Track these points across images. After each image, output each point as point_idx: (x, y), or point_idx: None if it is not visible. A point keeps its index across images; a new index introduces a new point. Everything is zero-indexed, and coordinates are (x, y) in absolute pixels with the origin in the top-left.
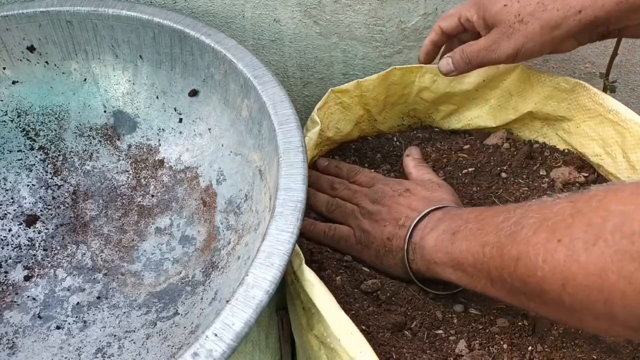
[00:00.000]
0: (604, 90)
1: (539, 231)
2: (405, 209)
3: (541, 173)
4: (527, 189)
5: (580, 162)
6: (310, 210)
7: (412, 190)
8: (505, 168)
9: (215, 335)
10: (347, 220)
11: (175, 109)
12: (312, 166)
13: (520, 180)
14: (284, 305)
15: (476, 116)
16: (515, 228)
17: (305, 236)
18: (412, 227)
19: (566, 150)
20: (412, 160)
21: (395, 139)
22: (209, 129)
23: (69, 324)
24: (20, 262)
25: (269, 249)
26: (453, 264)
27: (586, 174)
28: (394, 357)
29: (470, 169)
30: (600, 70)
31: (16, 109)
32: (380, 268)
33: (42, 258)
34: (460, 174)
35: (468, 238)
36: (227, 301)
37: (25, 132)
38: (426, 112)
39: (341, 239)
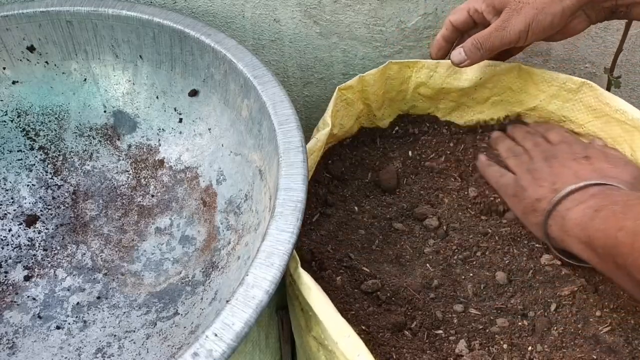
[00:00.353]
0: (608, 85)
1: None
2: (567, 175)
3: None
4: None
5: None
6: (492, 148)
7: (591, 159)
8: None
9: (215, 335)
10: (515, 170)
11: (175, 109)
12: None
13: None
14: (284, 305)
15: (478, 112)
16: None
17: (479, 172)
18: (563, 195)
19: None
20: (599, 142)
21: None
22: (209, 129)
23: (69, 324)
24: (20, 262)
25: (269, 249)
26: (585, 240)
27: None
28: (394, 357)
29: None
30: (601, 70)
31: (16, 109)
32: (524, 223)
33: (42, 258)
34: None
35: (608, 219)
36: (227, 301)
37: (25, 132)
38: (426, 111)
39: (502, 187)
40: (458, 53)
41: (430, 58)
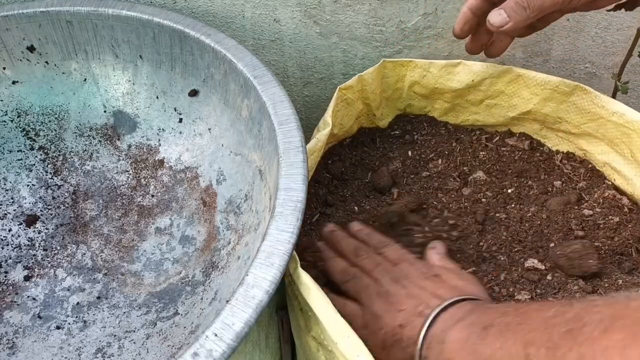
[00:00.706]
0: (614, 91)
1: (612, 331)
2: (427, 295)
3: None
4: (536, 188)
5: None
6: (325, 275)
7: (442, 276)
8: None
9: (215, 335)
10: (360, 297)
11: (175, 109)
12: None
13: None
14: (284, 305)
15: (474, 112)
16: (575, 325)
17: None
18: (431, 316)
19: (569, 151)
20: (436, 254)
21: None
22: (209, 129)
23: (69, 324)
24: (20, 262)
25: (269, 249)
26: None
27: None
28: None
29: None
30: (601, 70)
31: (16, 109)
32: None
33: (42, 258)
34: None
35: (504, 334)
36: (227, 301)
37: (25, 132)
38: (422, 109)
39: (346, 318)
40: (498, 14)
41: (453, 35)
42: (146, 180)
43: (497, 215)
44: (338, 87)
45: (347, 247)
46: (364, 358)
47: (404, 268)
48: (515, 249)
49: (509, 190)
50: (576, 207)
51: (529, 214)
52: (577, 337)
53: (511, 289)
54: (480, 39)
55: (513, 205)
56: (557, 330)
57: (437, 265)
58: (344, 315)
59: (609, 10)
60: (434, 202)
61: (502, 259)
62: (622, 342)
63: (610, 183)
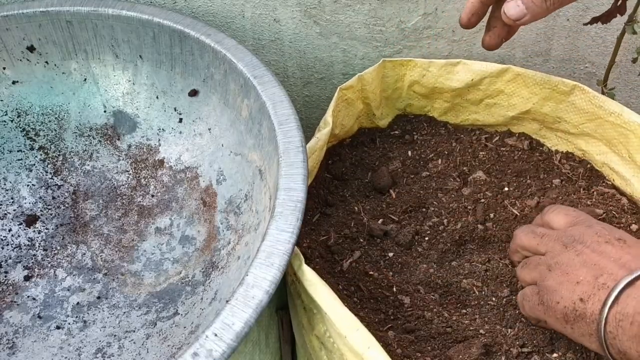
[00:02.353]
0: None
1: None
2: (610, 263)
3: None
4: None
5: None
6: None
7: (627, 241)
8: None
9: (215, 335)
10: (533, 277)
11: (175, 109)
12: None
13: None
14: (284, 305)
15: (474, 112)
16: None
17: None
18: (618, 289)
19: (568, 151)
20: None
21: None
22: (209, 129)
23: (69, 324)
24: (20, 262)
25: (269, 249)
26: None
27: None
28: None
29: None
30: (600, 71)
31: (16, 109)
32: (570, 336)
33: (42, 258)
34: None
35: None
36: (227, 301)
37: (25, 132)
38: (422, 109)
39: (524, 302)
40: (515, 5)
41: (460, 25)
42: (146, 180)
43: (497, 215)
44: (339, 87)
45: (520, 243)
46: (375, 350)
47: (576, 231)
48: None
49: (509, 190)
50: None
51: (529, 214)
52: None
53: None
54: (499, 32)
55: (513, 205)
56: None
57: (618, 230)
58: (520, 302)
59: (585, 24)
60: (434, 202)
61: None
62: None
63: (609, 183)
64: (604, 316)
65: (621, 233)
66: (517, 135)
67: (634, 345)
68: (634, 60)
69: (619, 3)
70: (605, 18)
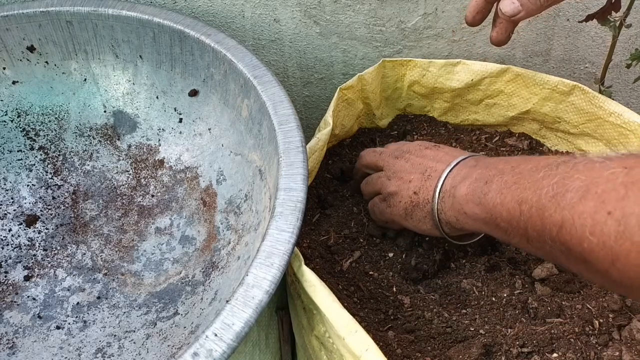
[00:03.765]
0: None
1: (586, 198)
2: (430, 162)
3: None
4: None
5: None
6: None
7: (441, 146)
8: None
9: (215, 335)
10: (376, 189)
11: (175, 109)
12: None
13: None
14: (284, 305)
15: (473, 112)
16: (558, 189)
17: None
18: (442, 178)
19: (568, 151)
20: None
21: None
22: (209, 129)
23: (69, 324)
24: (20, 262)
25: (269, 249)
26: (485, 217)
27: None
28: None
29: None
30: (600, 71)
31: (16, 109)
32: (409, 226)
33: (42, 258)
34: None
35: (502, 192)
36: (227, 301)
37: (25, 132)
38: (422, 109)
39: (372, 210)
40: (511, 2)
41: (466, 23)
42: (146, 180)
43: None
44: (339, 88)
45: (363, 162)
46: (372, 352)
47: (404, 146)
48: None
49: None
50: None
51: None
52: (560, 202)
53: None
54: (506, 27)
55: None
56: (545, 193)
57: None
58: (370, 211)
59: (581, 22)
60: None
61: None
62: (593, 208)
63: None
64: (437, 196)
65: (431, 143)
66: (517, 135)
67: (452, 212)
68: (628, 66)
69: (613, 0)
70: (600, 15)
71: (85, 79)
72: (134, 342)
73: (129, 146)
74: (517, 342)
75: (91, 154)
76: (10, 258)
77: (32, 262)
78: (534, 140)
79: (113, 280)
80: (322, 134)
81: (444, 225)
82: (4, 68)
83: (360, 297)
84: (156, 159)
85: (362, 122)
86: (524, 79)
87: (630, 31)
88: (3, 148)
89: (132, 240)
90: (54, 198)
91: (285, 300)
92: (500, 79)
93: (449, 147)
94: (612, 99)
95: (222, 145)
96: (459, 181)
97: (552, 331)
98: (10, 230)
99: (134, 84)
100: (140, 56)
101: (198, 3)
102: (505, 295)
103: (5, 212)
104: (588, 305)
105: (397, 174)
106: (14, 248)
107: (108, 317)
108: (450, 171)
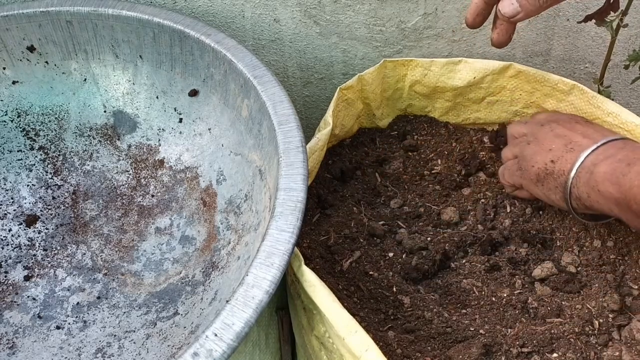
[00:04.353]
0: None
1: None
2: (577, 136)
3: None
4: None
5: None
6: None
7: (590, 123)
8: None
9: (215, 335)
10: (514, 152)
11: (175, 109)
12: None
13: None
14: (284, 305)
15: (475, 110)
16: None
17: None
18: (585, 153)
19: None
20: None
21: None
22: (209, 129)
23: (69, 324)
24: (20, 262)
25: (269, 249)
26: (618, 197)
27: None
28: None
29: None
30: (599, 71)
31: (16, 109)
32: (538, 192)
33: (42, 258)
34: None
35: None
36: (227, 301)
37: (25, 132)
38: (422, 109)
39: (505, 171)
40: (510, 3)
41: (466, 25)
42: (146, 180)
43: (497, 215)
44: (339, 88)
45: (510, 132)
46: (372, 352)
47: (551, 116)
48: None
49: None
50: None
51: (529, 214)
52: None
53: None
54: (506, 28)
55: (513, 205)
56: None
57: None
58: (502, 172)
59: (580, 22)
60: (434, 203)
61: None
62: None
63: None
64: (574, 171)
65: (589, 120)
66: None
67: (585, 188)
68: (626, 67)
69: (611, 0)
70: (599, 15)
71: (85, 79)
72: (134, 342)
73: (129, 146)
74: (517, 342)
75: (91, 154)
76: (10, 258)
77: (32, 262)
78: None
79: (113, 280)
80: (322, 134)
81: (574, 199)
82: (4, 68)
83: (360, 297)
84: (156, 159)
85: (362, 122)
86: (526, 76)
87: (629, 31)
88: (3, 148)
89: (132, 240)
90: (54, 198)
91: (285, 300)
92: (502, 75)
93: (600, 125)
94: (612, 99)
95: (222, 145)
96: (601, 160)
97: (552, 331)
98: (10, 230)
99: (134, 84)
100: (140, 56)
101: (198, 3)
102: (505, 295)
103: (5, 212)
104: (588, 305)
105: (538, 140)
106: (14, 248)
107: (108, 317)
108: (595, 149)
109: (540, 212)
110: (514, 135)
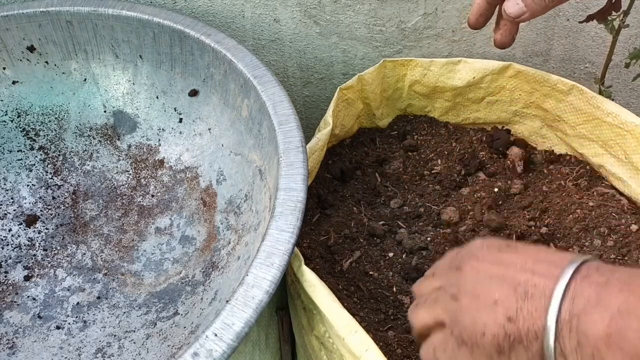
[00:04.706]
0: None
1: None
2: (520, 272)
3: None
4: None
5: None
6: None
7: (517, 247)
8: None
9: (215, 335)
10: (435, 315)
11: (175, 109)
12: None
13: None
14: (284, 305)
15: (475, 110)
16: None
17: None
18: (554, 299)
19: (566, 153)
20: None
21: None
22: (209, 129)
23: (69, 324)
24: (20, 262)
25: (269, 249)
26: None
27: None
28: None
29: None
30: (600, 71)
31: (16, 109)
32: None
33: (42, 258)
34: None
35: None
36: (227, 301)
37: (25, 132)
38: (422, 109)
39: (437, 354)
40: (515, 3)
41: (468, 26)
42: (146, 180)
43: (497, 215)
44: (339, 88)
45: (417, 293)
46: (372, 352)
47: (462, 252)
48: None
49: (509, 190)
50: (576, 206)
51: (529, 214)
52: None
53: None
54: (510, 29)
55: (513, 205)
56: None
57: (497, 239)
58: (431, 352)
59: (581, 22)
60: (434, 203)
61: None
62: None
63: (609, 183)
64: (551, 331)
65: (503, 241)
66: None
67: (579, 356)
68: (627, 65)
69: (613, 0)
70: (600, 15)
71: (85, 79)
72: (134, 342)
73: (129, 146)
74: None
75: (91, 154)
76: (10, 258)
77: (32, 262)
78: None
79: (113, 280)
80: (322, 134)
81: None
82: (4, 68)
83: (360, 297)
84: (156, 159)
85: (362, 122)
86: (525, 76)
87: (630, 31)
88: (3, 148)
89: (132, 240)
90: (54, 198)
91: (285, 300)
92: (501, 75)
93: (529, 245)
94: (612, 99)
95: (222, 145)
96: (584, 308)
97: None
98: (10, 230)
99: (134, 84)
100: (140, 56)
101: (198, 3)
102: None
103: (5, 212)
104: None
105: (467, 291)
106: (14, 248)
107: (108, 317)
108: (565, 290)
109: (541, 212)
110: (423, 293)
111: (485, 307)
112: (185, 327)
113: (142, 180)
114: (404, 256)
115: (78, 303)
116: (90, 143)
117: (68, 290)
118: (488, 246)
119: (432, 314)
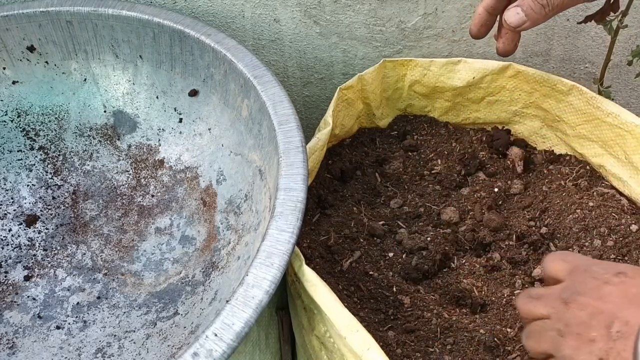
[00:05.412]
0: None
1: None
2: (616, 306)
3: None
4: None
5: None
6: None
7: (628, 272)
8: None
9: (215, 335)
10: (545, 348)
11: (175, 109)
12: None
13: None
14: (284, 305)
15: (475, 110)
16: None
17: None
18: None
19: (566, 153)
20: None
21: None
22: (209, 129)
23: (69, 324)
24: (20, 262)
25: (269, 249)
26: None
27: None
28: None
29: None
30: (599, 71)
31: (16, 109)
32: None
33: (42, 258)
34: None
35: None
36: (227, 301)
37: (25, 132)
38: (422, 109)
39: None
40: (515, 13)
41: (470, 36)
42: (146, 180)
43: (497, 215)
44: (339, 88)
45: (522, 314)
46: (374, 351)
47: (573, 282)
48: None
49: (509, 190)
50: (576, 206)
51: (529, 214)
52: None
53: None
54: (512, 37)
55: (513, 205)
56: None
57: (618, 264)
58: None
59: (579, 23)
60: (434, 203)
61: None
62: None
63: (609, 184)
64: None
65: (620, 266)
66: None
67: None
68: (629, 63)
69: (611, 1)
70: (599, 16)
71: (85, 79)
72: (134, 342)
73: (129, 146)
74: (518, 342)
75: (91, 154)
76: (10, 258)
77: (32, 262)
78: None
79: (113, 280)
80: (322, 134)
81: None
82: (4, 68)
83: (360, 297)
84: (156, 159)
85: (362, 122)
86: (525, 76)
87: (629, 31)
88: (3, 148)
89: (132, 240)
90: (54, 198)
91: (285, 300)
92: (501, 75)
93: (634, 270)
94: (612, 99)
95: (222, 145)
96: None
97: None
98: (10, 230)
99: (134, 84)
100: (140, 56)
101: (198, 3)
102: (505, 295)
103: (5, 212)
104: None
105: (571, 328)
106: (14, 248)
107: (108, 317)
108: None
109: (541, 212)
110: (529, 317)
111: (584, 346)
112: (185, 327)
113: (142, 180)
114: (404, 256)
115: (78, 303)
116: (90, 143)
117: (68, 290)
118: (597, 277)
119: (542, 346)
